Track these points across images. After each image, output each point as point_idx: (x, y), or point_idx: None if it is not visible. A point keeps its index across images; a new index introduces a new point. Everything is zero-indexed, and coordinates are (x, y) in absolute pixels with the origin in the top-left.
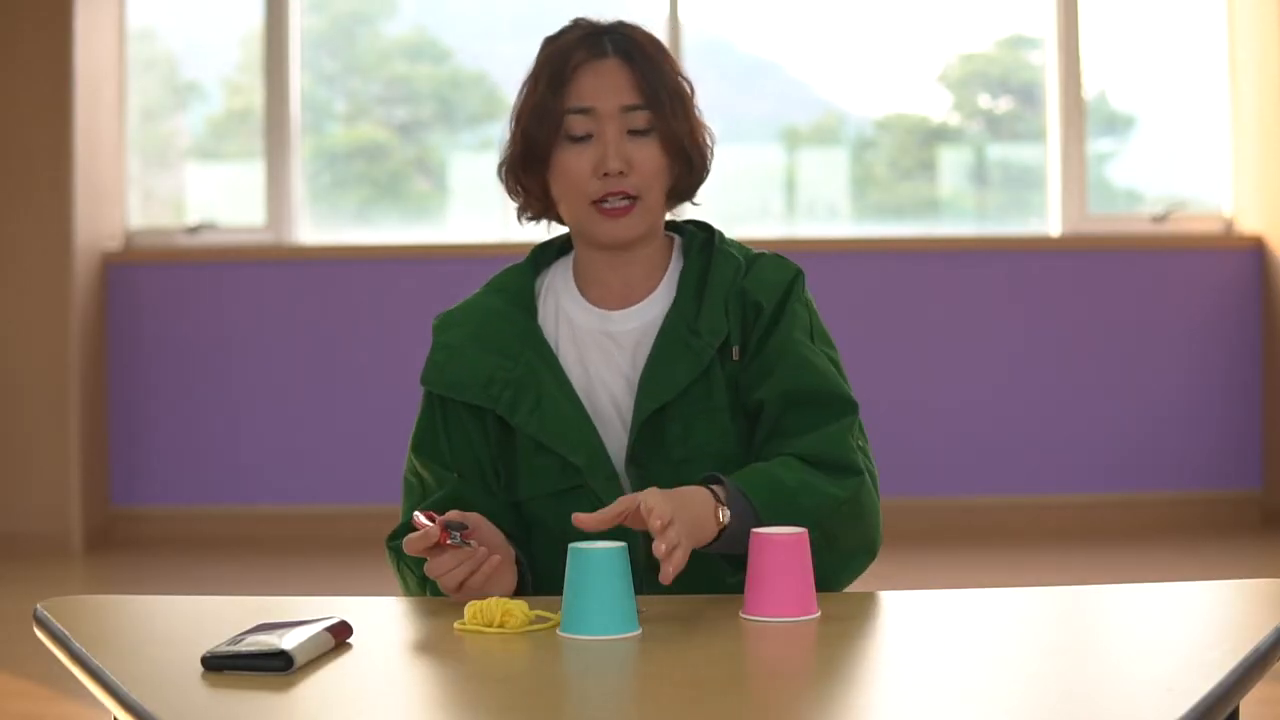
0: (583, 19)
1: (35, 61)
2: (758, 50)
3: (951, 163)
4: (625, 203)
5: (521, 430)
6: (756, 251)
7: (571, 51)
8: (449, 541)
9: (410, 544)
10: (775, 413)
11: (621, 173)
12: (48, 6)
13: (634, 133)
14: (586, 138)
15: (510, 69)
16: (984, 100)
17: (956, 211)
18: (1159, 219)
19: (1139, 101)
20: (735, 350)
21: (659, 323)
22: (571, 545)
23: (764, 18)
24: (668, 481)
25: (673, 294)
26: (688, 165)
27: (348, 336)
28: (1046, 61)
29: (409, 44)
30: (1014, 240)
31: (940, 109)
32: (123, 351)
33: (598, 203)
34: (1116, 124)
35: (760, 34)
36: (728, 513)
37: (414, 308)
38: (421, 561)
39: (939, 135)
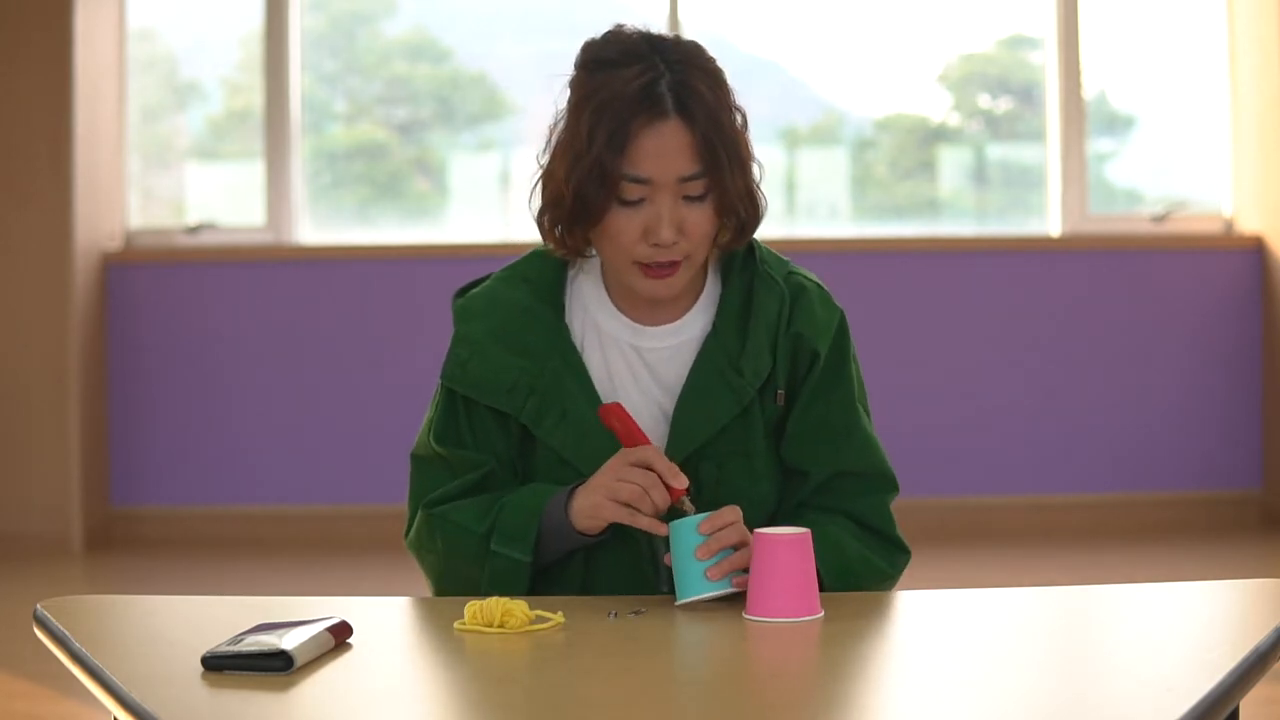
0: (630, 33)
1: (35, 61)
2: (758, 50)
3: (951, 163)
4: (670, 266)
5: (545, 442)
6: (799, 275)
7: (632, 110)
8: (677, 500)
9: (652, 452)
10: (821, 480)
11: (674, 242)
12: (48, 6)
13: (689, 198)
14: (639, 201)
15: (510, 69)
16: (984, 100)
17: (956, 211)
18: (1159, 219)
19: (1139, 101)
20: (780, 395)
21: (694, 345)
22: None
23: (764, 17)
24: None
25: (710, 315)
26: (739, 221)
27: (348, 336)
28: (1046, 61)
29: (409, 44)
30: (1014, 240)
31: (940, 109)
32: (123, 351)
33: (643, 264)
34: (1116, 124)
35: (760, 34)
36: None
37: (414, 308)
38: (454, 548)
39: (939, 135)
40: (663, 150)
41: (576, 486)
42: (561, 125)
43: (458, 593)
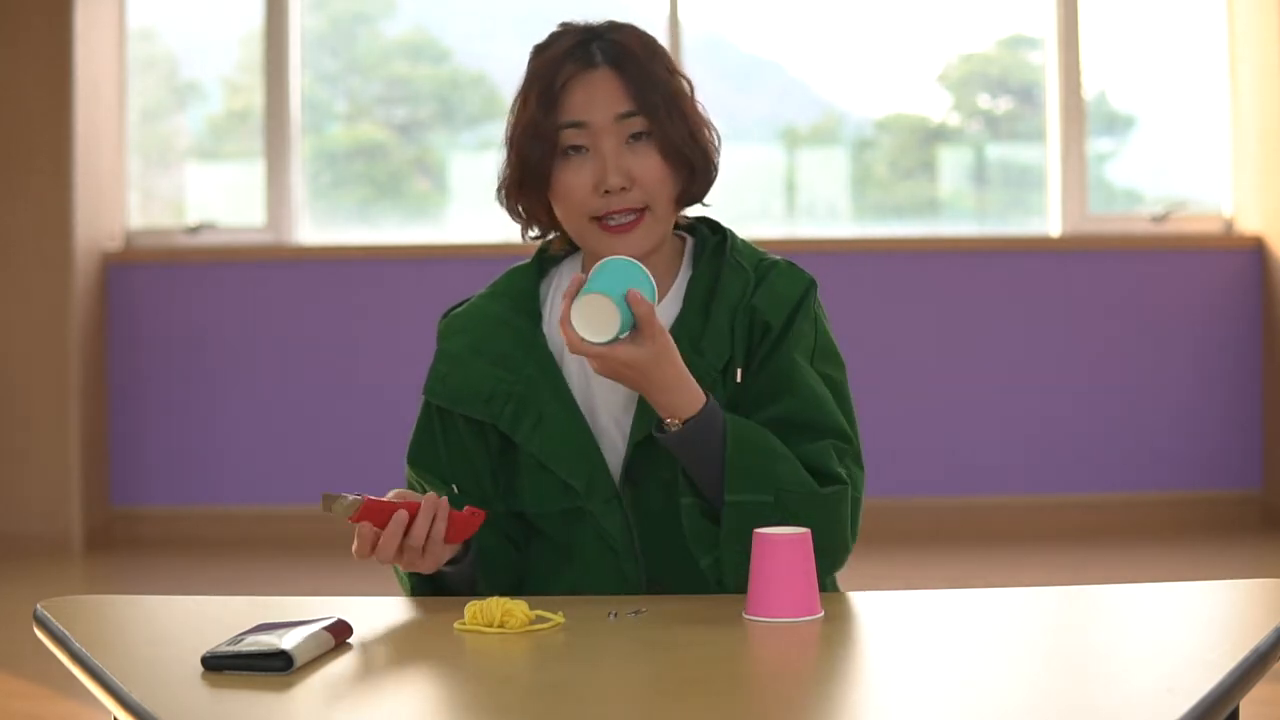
0: (570, 23)
1: (35, 61)
2: (758, 50)
3: (951, 163)
4: (632, 217)
5: (524, 448)
6: (770, 259)
7: (559, 65)
8: (335, 507)
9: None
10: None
11: (624, 188)
12: (48, 6)
13: (632, 140)
14: (581, 151)
15: (510, 69)
16: (984, 100)
17: (956, 211)
18: (1159, 219)
19: (1139, 101)
20: (739, 373)
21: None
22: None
23: (764, 17)
24: (660, 502)
25: (680, 305)
26: (690, 170)
27: (348, 336)
28: (1046, 61)
29: (409, 44)
30: (1014, 240)
31: (940, 109)
32: (123, 351)
33: (600, 219)
34: (1116, 124)
35: (760, 34)
36: (678, 424)
37: (414, 308)
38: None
39: (939, 135)
40: (593, 95)
41: None
42: (510, 114)
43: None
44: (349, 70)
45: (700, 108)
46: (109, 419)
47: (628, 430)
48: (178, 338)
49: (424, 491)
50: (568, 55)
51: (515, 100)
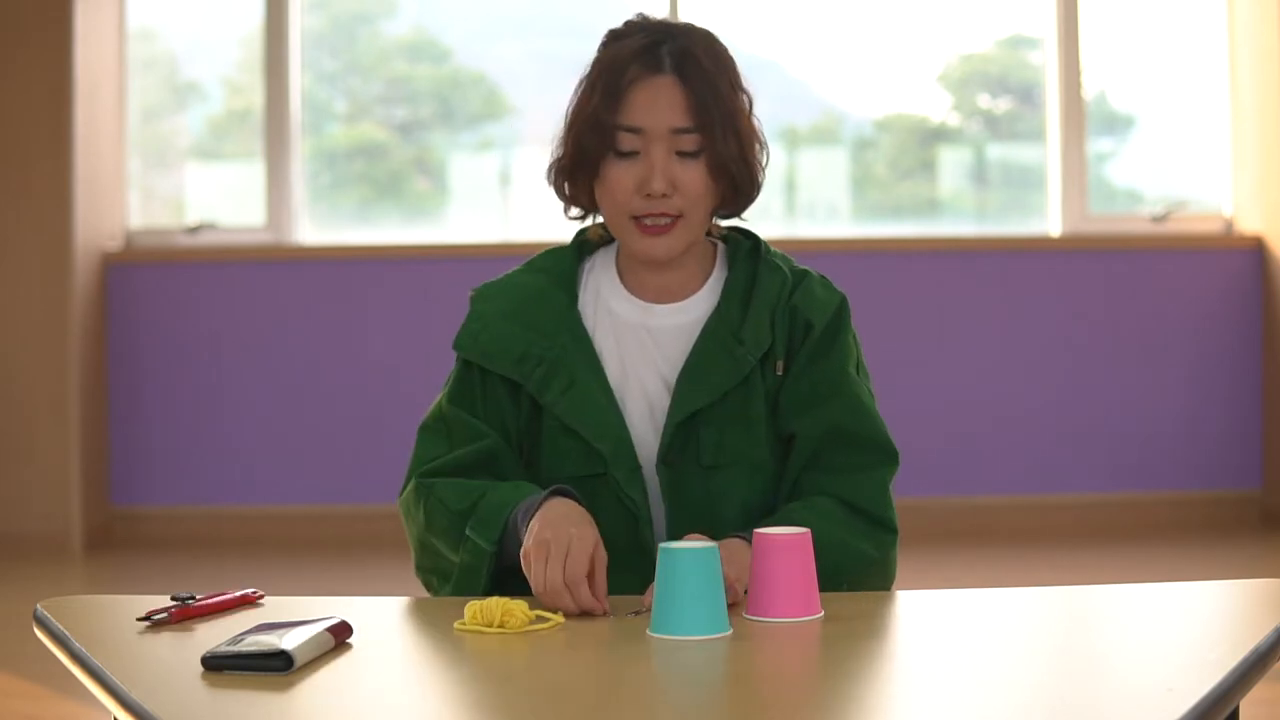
0: (645, 18)
1: (35, 61)
2: (758, 50)
3: (951, 163)
4: (666, 221)
5: (550, 411)
6: (801, 268)
7: (627, 64)
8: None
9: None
10: (815, 446)
11: (665, 195)
12: (48, 6)
13: (682, 154)
14: (634, 154)
15: (510, 69)
16: (984, 100)
17: (956, 211)
18: (1159, 219)
19: (1139, 101)
20: (779, 365)
21: (700, 324)
22: (661, 546)
23: (764, 17)
24: (696, 485)
25: (716, 298)
26: (734, 187)
27: (348, 336)
28: (1046, 61)
29: (409, 44)
30: (1014, 240)
31: (940, 109)
32: (123, 351)
33: (638, 219)
34: (1116, 124)
35: (760, 34)
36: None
37: (414, 308)
38: (460, 509)
39: (939, 135)
40: (655, 102)
41: (550, 497)
42: (573, 96)
43: (430, 566)
44: (349, 70)
45: (756, 124)
46: (109, 419)
47: (660, 413)
48: (178, 338)
49: (450, 431)
50: (637, 55)
51: (580, 84)
